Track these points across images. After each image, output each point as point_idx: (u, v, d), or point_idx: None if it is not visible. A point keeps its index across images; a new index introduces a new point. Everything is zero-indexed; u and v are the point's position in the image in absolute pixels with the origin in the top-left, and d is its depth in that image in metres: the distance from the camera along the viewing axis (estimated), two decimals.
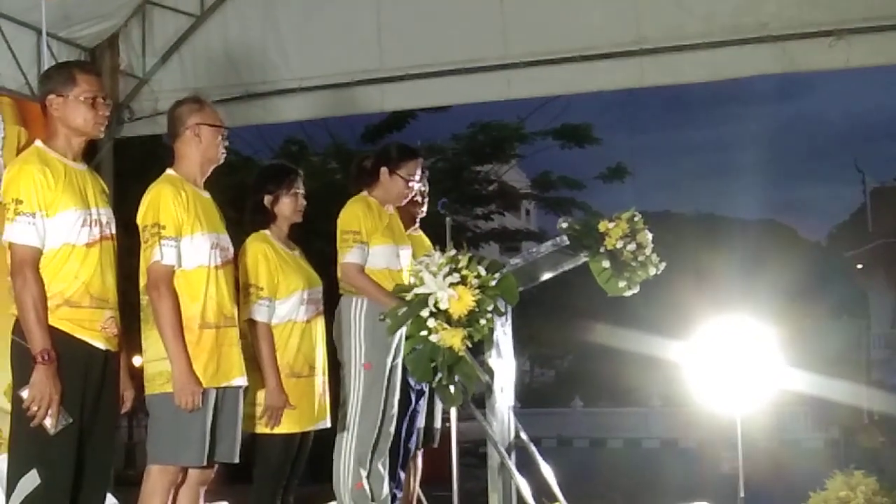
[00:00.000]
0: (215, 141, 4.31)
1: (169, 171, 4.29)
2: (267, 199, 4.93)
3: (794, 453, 16.41)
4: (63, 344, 3.68)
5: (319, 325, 4.96)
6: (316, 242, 5.94)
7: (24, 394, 3.60)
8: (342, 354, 5.12)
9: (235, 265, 4.51)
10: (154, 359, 4.08)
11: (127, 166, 9.46)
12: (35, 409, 3.59)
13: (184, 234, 4.12)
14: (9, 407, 3.78)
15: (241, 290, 4.67)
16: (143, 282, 4.13)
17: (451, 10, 7.53)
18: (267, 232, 4.90)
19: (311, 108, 8.20)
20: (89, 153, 4.04)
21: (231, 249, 4.39)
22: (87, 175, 3.92)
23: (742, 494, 6.35)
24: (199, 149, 4.28)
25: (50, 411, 3.59)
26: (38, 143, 3.90)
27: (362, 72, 7.70)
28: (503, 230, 21.46)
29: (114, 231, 3.96)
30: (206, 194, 4.33)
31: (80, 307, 3.76)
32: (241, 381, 4.27)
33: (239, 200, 5.09)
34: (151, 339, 4.10)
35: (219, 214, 4.34)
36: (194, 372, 4.03)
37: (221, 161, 4.38)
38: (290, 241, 5.00)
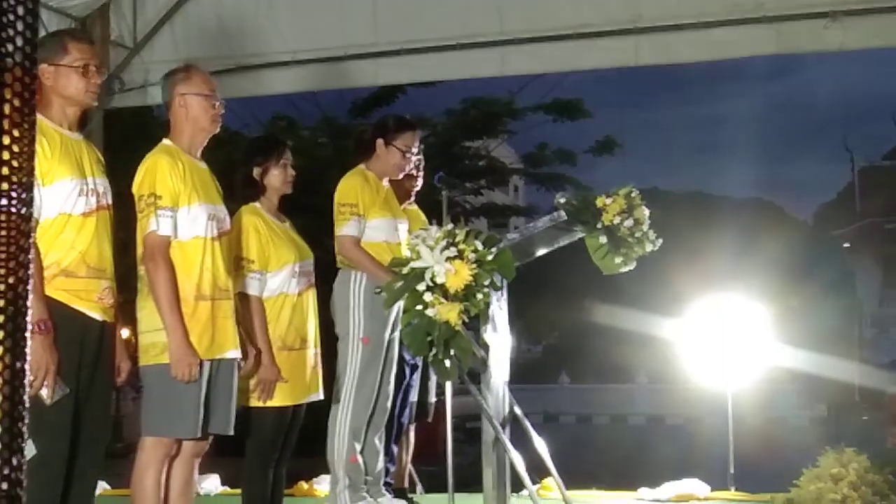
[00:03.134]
0: (205, 110, 4.26)
1: (165, 141, 4.26)
2: (256, 172, 4.90)
3: (785, 430, 16.51)
4: (59, 314, 3.65)
5: (311, 298, 4.95)
6: (304, 216, 5.92)
7: None
8: (339, 328, 5.12)
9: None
10: (148, 329, 4.07)
11: (117, 137, 9.42)
12: (31, 379, 3.57)
13: (181, 204, 4.09)
14: None
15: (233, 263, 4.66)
16: (139, 252, 4.11)
17: None
18: (257, 204, 4.88)
19: (304, 81, 8.15)
20: (79, 124, 4.00)
21: (228, 221, 4.37)
22: (82, 144, 3.89)
23: (732, 470, 6.39)
24: (188, 119, 4.24)
25: (46, 382, 3.56)
26: None
27: (356, 46, 7.64)
28: (492, 206, 21.47)
29: (110, 201, 3.93)
30: (203, 165, 4.29)
31: (77, 277, 3.73)
32: (234, 353, 4.25)
33: (227, 174, 5.07)
34: (146, 310, 4.07)
35: (215, 185, 4.32)
36: (191, 343, 4.01)
37: (216, 129, 4.32)
38: (280, 214, 4.98)
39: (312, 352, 4.90)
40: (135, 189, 4.11)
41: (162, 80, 4.43)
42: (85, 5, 7.84)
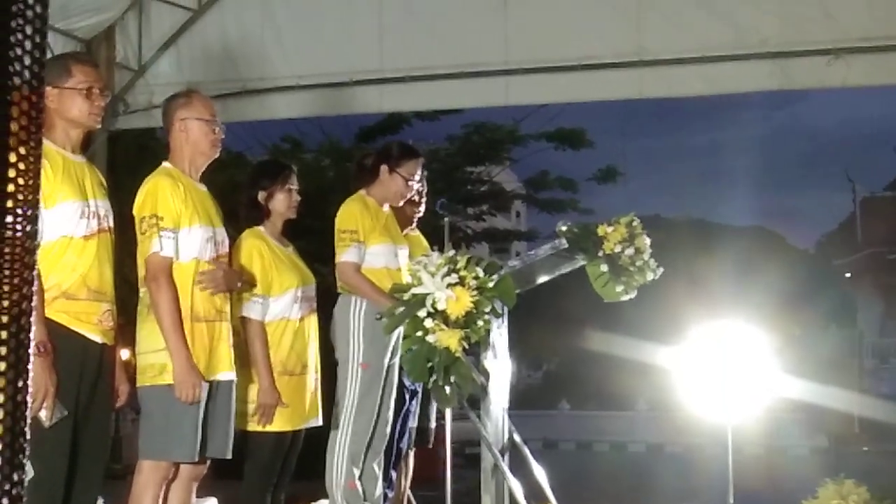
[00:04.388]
0: (205, 134, 4.27)
1: (165, 164, 4.27)
2: (261, 195, 4.91)
3: (784, 460, 16.44)
4: (59, 336, 3.64)
5: (312, 323, 4.95)
6: (308, 241, 5.93)
7: None
8: (339, 353, 5.11)
9: (230, 261, 4.50)
10: (147, 351, 4.06)
11: (121, 159, 9.44)
12: (30, 401, 3.56)
13: (181, 225, 4.10)
14: None
15: None
16: (140, 273, 4.11)
17: (454, 14, 7.54)
18: (261, 228, 4.89)
19: (309, 105, 8.20)
20: (83, 145, 4.01)
21: (227, 244, 4.37)
22: (85, 167, 3.89)
23: (731, 500, 6.35)
24: (189, 143, 4.25)
25: (45, 404, 3.56)
26: None
27: (362, 72, 7.69)
28: (494, 231, 21.46)
29: (112, 224, 3.93)
30: (203, 187, 4.31)
31: (78, 300, 3.73)
32: (227, 375, 4.23)
33: (229, 197, 5.08)
34: (145, 331, 4.07)
35: (215, 208, 4.32)
36: (195, 364, 4.01)
37: (216, 154, 4.34)
38: (283, 238, 4.99)
39: (313, 377, 4.90)
40: (136, 210, 4.12)
41: (163, 104, 4.45)
42: (91, 27, 7.89)
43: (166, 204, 4.08)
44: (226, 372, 4.22)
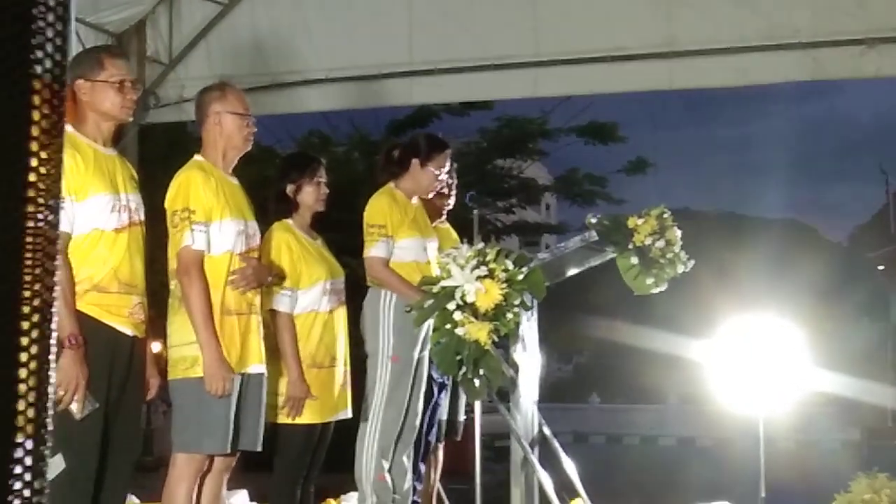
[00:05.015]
0: (238, 128, 4.28)
1: (197, 157, 4.28)
2: (290, 188, 4.91)
3: (816, 453, 16.35)
4: (90, 329, 3.66)
5: (342, 316, 4.94)
6: (337, 234, 5.93)
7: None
8: (369, 346, 5.11)
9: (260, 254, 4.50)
10: (178, 344, 4.08)
11: (151, 153, 9.48)
12: (61, 393, 3.58)
13: (213, 219, 4.10)
14: None
15: None
16: (171, 266, 4.12)
17: (483, 6, 7.52)
18: (290, 221, 4.89)
19: (338, 99, 8.20)
20: (114, 139, 4.02)
21: (258, 237, 4.37)
22: (116, 160, 3.90)
23: (763, 494, 6.32)
24: (222, 136, 4.26)
25: (76, 396, 3.58)
26: (68, 127, 3.88)
27: (391, 64, 7.69)
28: (524, 224, 21.43)
29: (142, 217, 3.94)
30: (235, 180, 4.31)
31: (109, 293, 3.74)
32: (258, 368, 4.24)
33: (259, 190, 5.08)
34: (177, 324, 4.09)
35: (247, 201, 4.33)
36: (225, 358, 4.02)
37: (248, 148, 4.35)
38: (312, 231, 4.99)
39: (342, 370, 4.90)
40: (167, 204, 4.13)
41: (196, 97, 4.45)
42: (121, 21, 7.92)
43: (198, 197, 4.08)
44: (256, 365, 4.23)
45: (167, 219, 4.12)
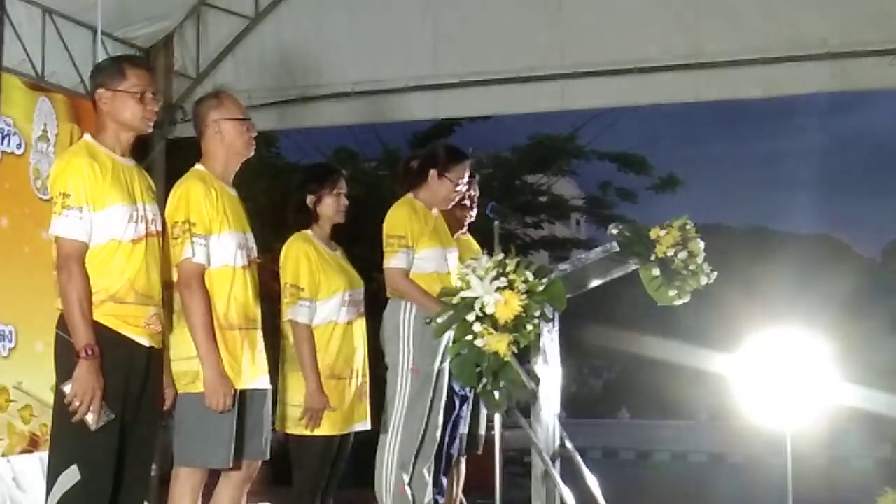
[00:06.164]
0: (239, 133, 4.24)
1: (197, 167, 4.25)
2: (309, 199, 4.91)
3: (846, 470, 16.15)
4: (107, 340, 3.66)
5: (360, 327, 4.93)
6: (362, 245, 5.92)
7: (67, 388, 3.59)
8: (389, 358, 5.09)
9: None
10: (180, 358, 4.03)
11: (179, 166, 9.46)
12: (77, 404, 3.58)
13: (213, 231, 4.06)
14: None
15: (282, 291, 4.66)
16: (173, 278, 4.08)
17: (508, 19, 7.50)
18: (309, 232, 4.88)
19: (364, 112, 8.19)
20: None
21: (255, 249, 4.31)
22: (134, 171, 3.90)
23: None
24: (224, 144, 4.22)
25: (92, 407, 3.58)
26: (87, 136, 3.89)
27: (416, 78, 7.69)
28: (553, 238, 21.34)
29: (159, 228, 3.94)
30: (234, 192, 4.27)
31: (125, 303, 3.74)
32: (259, 383, 4.20)
33: (285, 204, 5.07)
34: (178, 338, 4.04)
35: (244, 213, 4.29)
36: (226, 373, 3.98)
37: (250, 153, 4.30)
38: (332, 242, 4.98)
39: (360, 381, 4.88)
40: (168, 215, 4.07)
41: (192, 108, 4.42)
42: (149, 36, 7.99)
43: (199, 210, 4.04)
44: (258, 380, 4.20)
45: (168, 230, 4.05)
